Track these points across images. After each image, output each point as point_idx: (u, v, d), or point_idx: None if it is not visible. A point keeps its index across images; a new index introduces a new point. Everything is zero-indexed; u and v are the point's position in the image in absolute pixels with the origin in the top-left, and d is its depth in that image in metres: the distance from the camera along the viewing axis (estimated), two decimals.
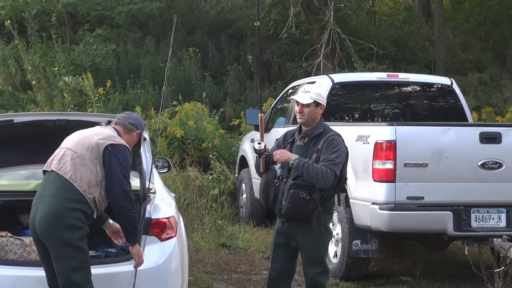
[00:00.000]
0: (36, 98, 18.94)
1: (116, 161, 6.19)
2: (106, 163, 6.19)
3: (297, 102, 6.93)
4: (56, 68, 19.67)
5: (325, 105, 6.99)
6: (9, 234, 7.11)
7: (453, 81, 11.77)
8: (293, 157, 6.71)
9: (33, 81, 19.68)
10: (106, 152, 6.20)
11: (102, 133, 6.37)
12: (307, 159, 6.68)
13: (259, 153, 6.97)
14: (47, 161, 6.34)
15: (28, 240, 7.09)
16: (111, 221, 6.57)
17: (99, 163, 6.20)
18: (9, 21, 20.24)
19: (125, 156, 6.30)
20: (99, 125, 6.64)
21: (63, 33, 21.88)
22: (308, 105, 6.85)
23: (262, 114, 7.32)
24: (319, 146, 6.77)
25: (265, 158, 7.00)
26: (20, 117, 7.95)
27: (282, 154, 6.80)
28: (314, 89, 7.07)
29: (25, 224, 7.91)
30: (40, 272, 6.44)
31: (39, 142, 6.45)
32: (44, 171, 6.33)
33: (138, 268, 6.42)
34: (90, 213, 6.16)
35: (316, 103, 6.87)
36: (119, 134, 6.51)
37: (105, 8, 21.55)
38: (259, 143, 6.94)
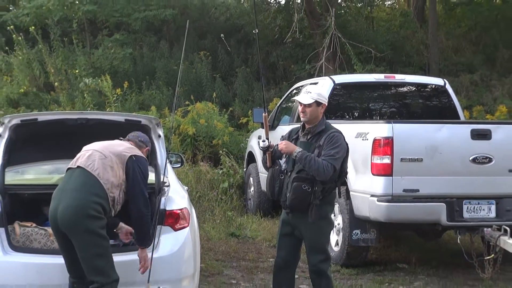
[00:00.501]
0: (58, 98, 18.97)
1: (139, 170, 6.32)
2: (129, 171, 6.30)
3: (299, 102, 6.94)
4: (77, 71, 19.66)
5: (326, 104, 6.98)
6: (34, 225, 7.15)
7: (446, 81, 11.76)
8: (296, 149, 6.72)
9: (56, 83, 19.69)
10: (130, 161, 6.32)
11: (125, 145, 6.50)
12: (310, 153, 6.68)
13: (263, 150, 7.00)
14: (72, 160, 6.39)
15: (51, 230, 7.11)
16: (122, 224, 6.64)
17: (122, 168, 6.29)
18: (33, 27, 20.25)
19: (146, 167, 6.44)
20: (118, 139, 6.69)
21: (84, 38, 21.88)
22: (310, 105, 6.85)
23: (267, 114, 7.32)
24: (321, 142, 6.78)
25: (271, 154, 7.03)
26: (44, 116, 7.94)
27: (287, 146, 6.80)
28: (315, 90, 7.06)
29: (48, 215, 7.93)
30: (62, 259, 6.48)
31: (61, 139, 6.48)
32: (68, 168, 6.37)
33: (154, 256, 6.47)
34: (108, 210, 6.21)
35: (317, 103, 6.87)
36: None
37: (122, 15, 21.56)
38: (263, 141, 6.97)
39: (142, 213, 6.28)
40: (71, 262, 6.26)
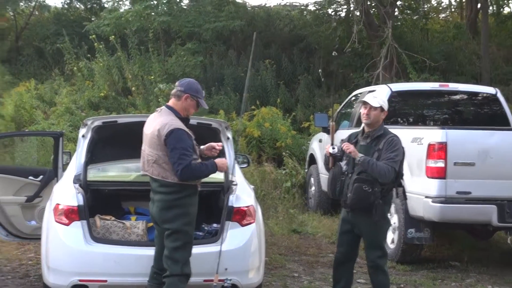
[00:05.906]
0: (135, 102, 19.17)
1: (171, 147, 6.11)
2: (167, 148, 6.15)
3: (366, 104, 6.90)
4: (152, 77, 19.83)
5: (387, 112, 6.95)
6: (113, 218, 7.26)
7: (498, 90, 11.57)
8: (359, 154, 6.70)
9: (133, 88, 19.89)
10: (166, 140, 6.12)
11: (159, 124, 6.23)
12: (371, 158, 6.66)
13: (333, 155, 6.98)
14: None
15: (128, 223, 7.21)
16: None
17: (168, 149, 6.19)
18: (113, 37, 20.50)
19: (176, 139, 6.14)
20: (156, 111, 6.57)
21: (158, 46, 22.07)
22: (375, 108, 6.84)
23: (333, 122, 7.34)
24: (380, 146, 6.75)
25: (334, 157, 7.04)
26: (122, 118, 8.09)
27: (354, 150, 6.77)
28: (381, 96, 7.16)
29: (126, 210, 8.03)
30: (138, 251, 6.73)
31: (139, 139, 6.54)
32: None
33: (222, 250, 6.57)
34: (194, 188, 6.28)
35: (382, 108, 6.86)
36: (172, 109, 6.38)
37: (194, 26, 21.73)
38: (333, 148, 6.98)
39: (190, 179, 6.19)
40: (159, 252, 6.37)
